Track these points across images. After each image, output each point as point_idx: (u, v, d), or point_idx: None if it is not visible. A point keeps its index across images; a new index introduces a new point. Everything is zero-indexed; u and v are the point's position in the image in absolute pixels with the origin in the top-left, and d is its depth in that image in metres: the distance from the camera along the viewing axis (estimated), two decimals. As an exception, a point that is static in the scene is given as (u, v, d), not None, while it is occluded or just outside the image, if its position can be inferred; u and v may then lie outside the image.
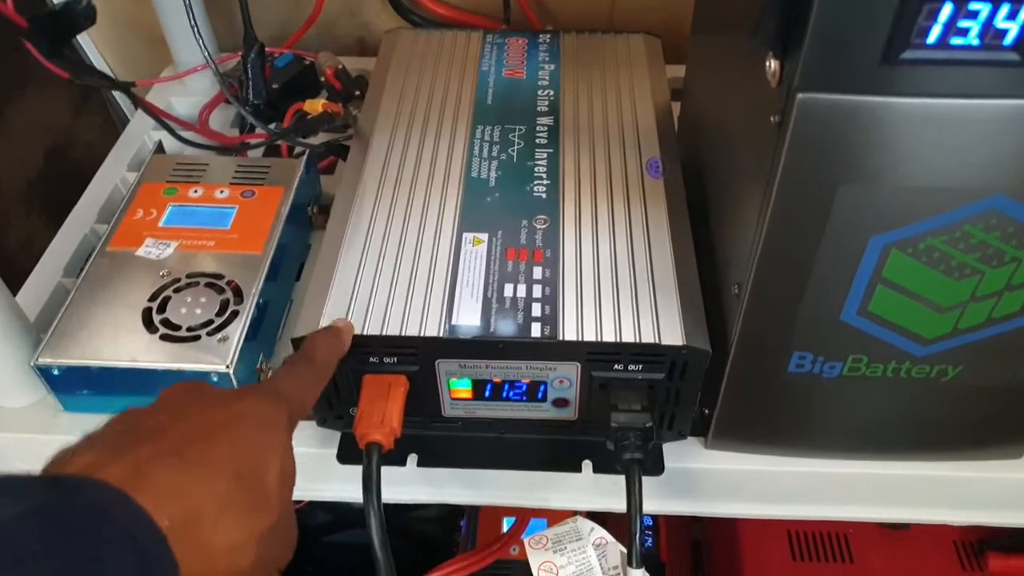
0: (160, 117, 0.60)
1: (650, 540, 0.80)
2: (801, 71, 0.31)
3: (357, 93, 0.69)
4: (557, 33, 0.64)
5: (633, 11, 0.77)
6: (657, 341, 0.41)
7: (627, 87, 0.58)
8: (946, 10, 0.28)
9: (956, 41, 0.29)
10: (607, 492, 0.48)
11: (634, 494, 0.40)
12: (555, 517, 0.82)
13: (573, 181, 0.51)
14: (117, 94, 0.82)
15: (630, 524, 0.39)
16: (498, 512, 0.82)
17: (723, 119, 0.46)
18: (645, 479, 0.42)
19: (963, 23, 0.28)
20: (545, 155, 0.53)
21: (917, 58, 0.29)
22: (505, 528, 0.81)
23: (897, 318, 0.38)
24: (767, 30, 0.31)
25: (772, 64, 0.32)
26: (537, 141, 0.54)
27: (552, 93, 0.58)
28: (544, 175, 0.51)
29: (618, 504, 0.47)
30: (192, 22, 0.58)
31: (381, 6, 0.79)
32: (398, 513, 0.84)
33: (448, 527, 0.80)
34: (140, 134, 0.70)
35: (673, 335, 0.42)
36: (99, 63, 0.80)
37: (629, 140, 0.54)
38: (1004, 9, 0.28)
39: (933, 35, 0.29)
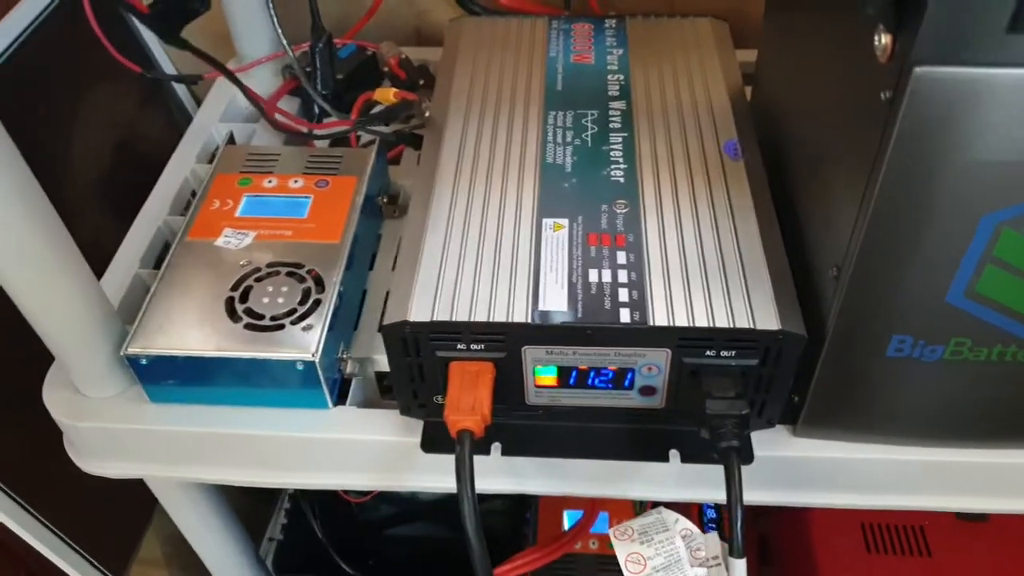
0: (256, 101, 0.60)
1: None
2: (918, 44, 0.30)
3: (421, 82, 0.69)
4: (622, 18, 0.63)
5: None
6: (752, 326, 0.41)
7: (698, 70, 0.58)
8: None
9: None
10: (693, 482, 0.47)
11: (734, 483, 0.39)
12: (615, 512, 0.83)
13: (651, 165, 0.50)
14: (181, 91, 0.83)
15: (731, 513, 0.39)
16: (558, 506, 0.82)
17: (810, 100, 0.45)
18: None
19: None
20: (620, 139, 0.52)
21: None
22: (566, 522, 0.81)
23: (1006, 299, 0.36)
24: (880, 2, 0.30)
25: (883, 38, 0.31)
26: (611, 125, 0.53)
27: (622, 78, 0.57)
28: (620, 159, 0.51)
29: (705, 494, 0.47)
30: (269, 7, 0.58)
31: (439, -5, 0.79)
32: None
33: (514, 520, 0.79)
34: (207, 127, 0.71)
35: (768, 320, 0.41)
36: (164, 63, 0.81)
37: (705, 123, 0.53)
38: None
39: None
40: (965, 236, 0.34)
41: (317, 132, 0.63)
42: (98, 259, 0.59)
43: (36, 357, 0.50)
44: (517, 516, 0.79)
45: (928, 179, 0.33)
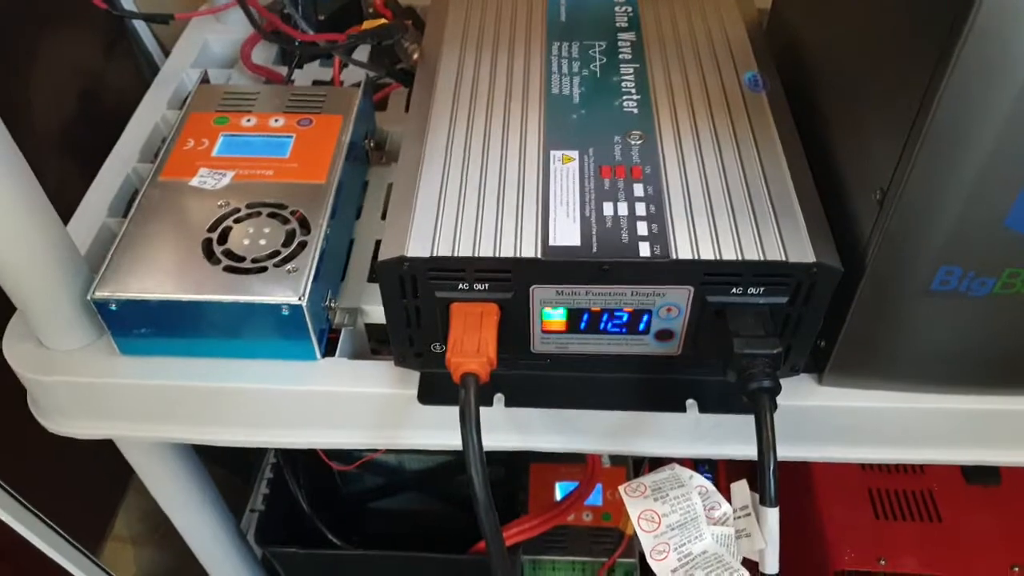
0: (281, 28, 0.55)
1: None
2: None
3: (409, 22, 0.65)
4: (628, -52, 0.59)
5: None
6: (784, 259, 0.37)
7: (712, 3, 0.54)
8: None
9: None
10: (713, 436, 0.44)
11: (765, 427, 0.36)
12: (609, 483, 0.80)
13: (666, 95, 0.46)
14: (147, 38, 0.78)
15: (763, 460, 0.35)
16: (550, 478, 0.79)
17: (843, 18, 0.42)
18: (749, 420, 0.38)
19: None
20: (632, 70, 0.48)
21: None
22: (558, 494, 0.78)
23: (1068, 223, 0.33)
24: None
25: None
26: (620, 56, 0.49)
27: (630, 9, 0.53)
28: (633, 90, 0.47)
29: (725, 449, 0.44)
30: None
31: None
32: (451, 475, 0.80)
33: (505, 491, 0.76)
34: (178, 72, 0.66)
35: (801, 252, 0.37)
36: (128, 4, 0.76)
37: (722, 54, 0.49)
38: None
39: None
40: (1028, 152, 0.31)
41: (305, 42, 0.58)
42: (62, 213, 0.54)
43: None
44: (508, 487, 0.76)
45: (995, 92, 0.30)
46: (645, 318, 0.40)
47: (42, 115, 0.66)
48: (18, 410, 0.49)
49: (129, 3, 0.75)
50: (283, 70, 0.64)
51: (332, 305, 0.46)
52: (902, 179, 0.33)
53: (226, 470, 0.78)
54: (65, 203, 0.55)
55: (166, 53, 0.75)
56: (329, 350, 0.46)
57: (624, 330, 0.41)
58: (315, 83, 0.65)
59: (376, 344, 0.49)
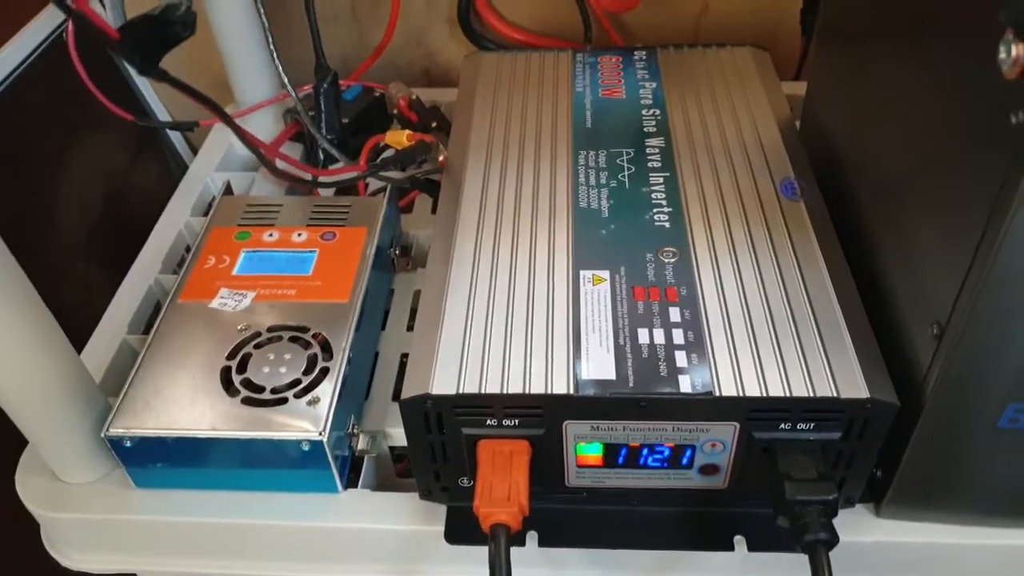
0: (253, 144, 0.55)
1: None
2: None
3: (434, 124, 0.64)
4: (653, 49, 0.58)
5: (720, 26, 0.72)
6: (835, 394, 0.35)
7: (743, 103, 0.52)
8: None
9: None
10: (762, 572, 0.41)
11: (823, 582, 0.33)
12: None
13: (699, 207, 0.45)
14: (176, 140, 0.79)
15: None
16: None
17: (888, 135, 0.40)
18: (802, 557, 0.35)
19: None
20: (662, 179, 0.47)
21: None
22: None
23: None
24: (1018, 7, 0.24)
25: (1014, 50, 0.26)
26: (650, 165, 0.48)
27: (659, 112, 0.52)
28: (664, 202, 0.45)
29: (777, 585, 0.40)
30: (269, 43, 0.53)
31: (449, 34, 0.74)
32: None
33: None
34: (203, 176, 0.66)
35: (853, 387, 0.35)
36: (158, 109, 0.77)
37: (756, 160, 0.48)
38: None
39: None
40: (1103, 288, 0.29)
41: (323, 179, 0.57)
42: (88, 319, 0.53)
43: (8, 438, 0.45)
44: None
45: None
46: (688, 453, 0.38)
47: (71, 219, 0.66)
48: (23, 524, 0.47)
49: (159, 108, 0.76)
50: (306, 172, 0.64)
51: (355, 431, 0.44)
52: (964, 315, 0.31)
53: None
54: (93, 308, 0.55)
55: (195, 152, 0.75)
56: (352, 476, 0.44)
57: (666, 465, 0.39)
58: (340, 187, 0.64)
59: (403, 450, 0.47)
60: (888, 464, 0.38)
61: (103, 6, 0.71)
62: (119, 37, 0.28)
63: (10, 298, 0.38)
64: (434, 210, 0.59)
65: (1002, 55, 0.26)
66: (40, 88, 0.63)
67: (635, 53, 0.58)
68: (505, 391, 0.36)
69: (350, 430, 0.44)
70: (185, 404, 0.42)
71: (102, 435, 0.41)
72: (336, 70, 0.63)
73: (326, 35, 0.62)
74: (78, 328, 0.52)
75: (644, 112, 0.52)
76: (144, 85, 0.75)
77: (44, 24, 0.66)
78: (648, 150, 0.49)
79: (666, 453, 0.38)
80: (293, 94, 0.52)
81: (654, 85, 0.55)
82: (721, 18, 0.71)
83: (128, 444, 0.41)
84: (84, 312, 0.56)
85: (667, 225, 0.44)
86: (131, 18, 0.30)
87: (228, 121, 0.38)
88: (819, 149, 0.49)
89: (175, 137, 0.78)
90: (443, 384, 0.37)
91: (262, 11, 0.55)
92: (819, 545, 0.33)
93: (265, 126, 0.69)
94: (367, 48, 0.72)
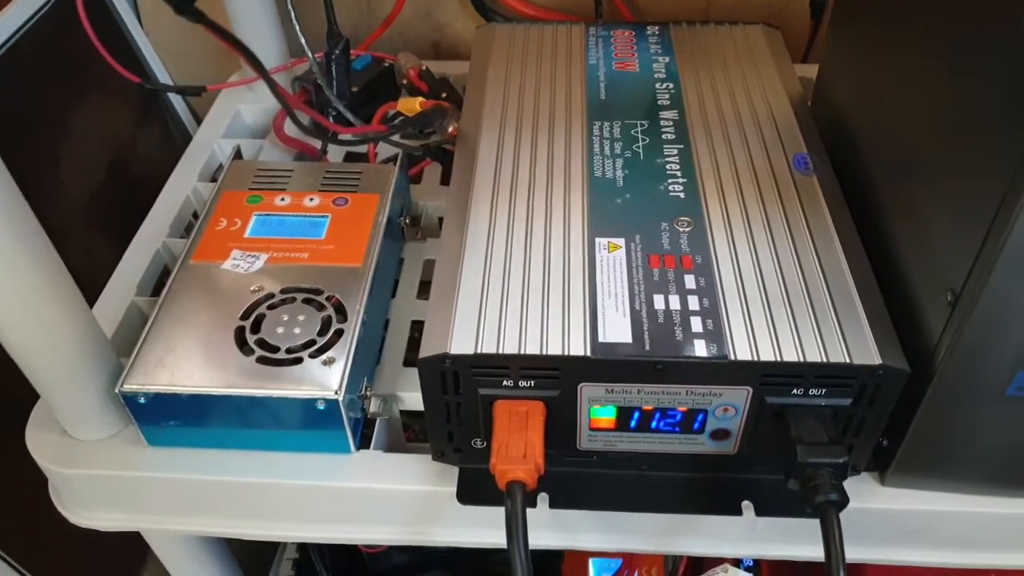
0: (282, 95, 0.54)
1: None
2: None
3: (444, 95, 0.64)
4: (666, 24, 0.59)
5: (729, 6, 0.72)
6: (848, 360, 0.35)
7: (755, 80, 0.53)
8: None
9: None
10: (769, 538, 0.41)
11: (834, 542, 0.33)
12: (639, 562, 0.76)
13: (713, 179, 0.45)
14: (179, 107, 0.78)
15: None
16: (584, 554, 0.76)
17: (906, 112, 0.40)
18: (809, 522, 0.35)
19: None
20: (676, 151, 0.47)
21: None
22: (591, 571, 0.75)
23: None
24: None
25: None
26: (664, 137, 0.48)
27: (672, 86, 0.52)
28: (678, 173, 0.46)
29: (783, 551, 0.42)
30: (290, 6, 0.53)
31: (459, 7, 0.74)
32: (480, 554, 0.77)
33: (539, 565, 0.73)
34: (209, 143, 0.66)
35: (865, 353, 0.36)
36: (161, 74, 0.76)
37: (768, 135, 0.48)
38: None
39: None
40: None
41: (342, 136, 0.57)
42: (90, 285, 0.53)
43: (18, 392, 0.45)
44: (542, 560, 0.73)
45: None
46: (700, 417, 0.38)
47: (73, 184, 0.66)
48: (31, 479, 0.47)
49: (163, 74, 0.76)
50: (316, 140, 0.64)
51: (367, 394, 0.45)
52: (979, 284, 0.31)
53: (254, 545, 0.75)
54: (94, 274, 0.54)
55: (198, 121, 0.75)
56: (364, 439, 0.44)
57: (677, 429, 0.39)
58: (348, 156, 0.64)
59: (408, 419, 0.47)
60: (894, 433, 0.39)
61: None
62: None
63: (29, 249, 0.38)
64: (444, 181, 0.59)
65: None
66: (44, 50, 0.63)
67: (648, 28, 0.58)
68: (523, 352, 0.36)
69: (363, 392, 0.44)
70: (199, 362, 0.42)
71: (116, 391, 0.41)
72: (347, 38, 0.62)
73: (335, 4, 0.62)
74: (84, 290, 0.52)
75: (658, 85, 0.53)
76: (148, 50, 0.75)
77: None
78: (662, 122, 0.49)
79: (678, 417, 0.38)
80: (311, 55, 0.52)
81: (667, 59, 0.55)
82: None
83: (142, 400, 0.41)
84: (88, 279, 0.56)
85: (682, 196, 0.44)
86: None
87: (260, 69, 0.38)
88: (831, 127, 0.49)
89: (178, 103, 0.78)
90: (461, 344, 0.37)
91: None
92: (830, 506, 0.34)
93: (271, 96, 0.68)
94: (376, 19, 0.72)
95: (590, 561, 0.75)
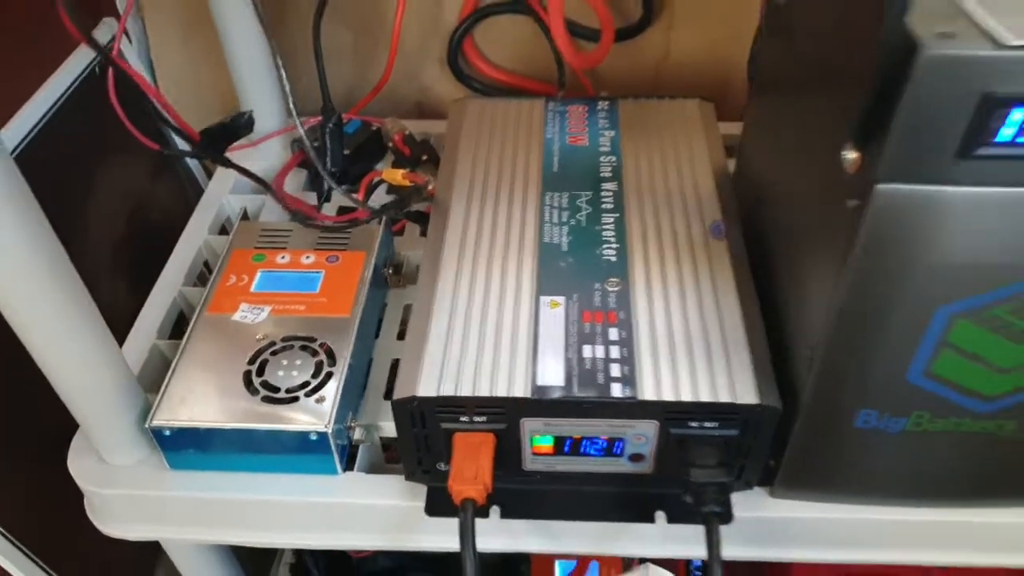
0: (287, 204, 0.62)
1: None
2: (881, 165, 0.34)
3: (424, 157, 0.73)
4: (615, 100, 0.68)
5: (680, 71, 0.81)
6: (733, 400, 0.44)
7: (685, 151, 0.62)
8: (1016, 115, 0.31)
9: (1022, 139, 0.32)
10: (679, 541, 0.50)
11: (714, 544, 0.42)
12: (605, 563, 0.85)
13: (640, 244, 0.54)
14: (192, 161, 0.88)
15: (711, 572, 0.42)
16: (550, 557, 0.84)
17: (788, 187, 0.49)
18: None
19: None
20: (612, 219, 0.56)
21: (989, 154, 0.32)
22: (558, 572, 0.84)
23: (959, 379, 0.40)
24: (851, 125, 0.34)
25: (852, 154, 0.35)
26: (603, 206, 0.57)
27: (614, 159, 0.62)
28: (613, 239, 0.55)
29: (689, 551, 0.50)
30: (283, 85, 0.62)
31: (440, 71, 0.83)
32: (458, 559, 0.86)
33: (510, 569, 0.82)
34: (219, 198, 0.75)
35: (747, 393, 0.45)
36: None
37: (691, 203, 0.57)
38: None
39: (1005, 134, 0.32)
40: (922, 325, 0.38)
41: (328, 224, 0.65)
42: (116, 329, 0.62)
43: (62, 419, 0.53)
44: (512, 565, 0.82)
45: (889, 278, 0.37)
46: (619, 444, 0.47)
47: (99, 239, 0.75)
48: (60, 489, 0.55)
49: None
50: (313, 195, 0.73)
51: (352, 424, 0.54)
52: (823, 341, 0.40)
53: (257, 551, 0.84)
54: (119, 318, 0.63)
55: (209, 175, 0.84)
56: (350, 461, 0.53)
57: (602, 453, 0.48)
58: (340, 209, 0.73)
59: (389, 442, 0.56)
60: (778, 455, 0.48)
61: (129, 41, 0.80)
62: (200, 139, 0.37)
63: (73, 303, 0.46)
64: (423, 233, 0.69)
65: (843, 153, 0.36)
66: (77, 118, 0.72)
67: (599, 103, 0.67)
68: (475, 394, 0.46)
69: (349, 423, 0.53)
70: (214, 400, 0.51)
71: (146, 426, 0.50)
72: (337, 103, 0.71)
73: (331, 71, 0.71)
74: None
75: (602, 159, 0.62)
76: (165, 110, 0.84)
77: (77, 63, 0.74)
78: (603, 193, 0.58)
79: (602, 444, 0.47)
80: (301, 132, 0.61)
81: (613, 133, 0.64)
82: (680, 65, 0.80)
83: (167, 433, 0.50)
84: (113, 321, 0.65)
85: (614, 259, 0.53)
86: (209, 126, 0.39)
87: (266, 186, 0.46)
88: (748, 193, 0.59)
89: (192, 160, 0.87)
90: (427, 387, 0.46)
91: (276, 56, 0.63)
92: (713, 516, 0.43)
93: (275, 152, 0.78)
94: (367, 82, 0.81)
95: (556, 563, 0.84)
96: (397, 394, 0.46)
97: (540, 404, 0.45)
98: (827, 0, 0.41)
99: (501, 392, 0.46)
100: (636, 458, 0.48)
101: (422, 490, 0.51)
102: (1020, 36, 0.30)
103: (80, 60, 0.75)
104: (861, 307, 0.38)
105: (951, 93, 0.31)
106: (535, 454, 0.49)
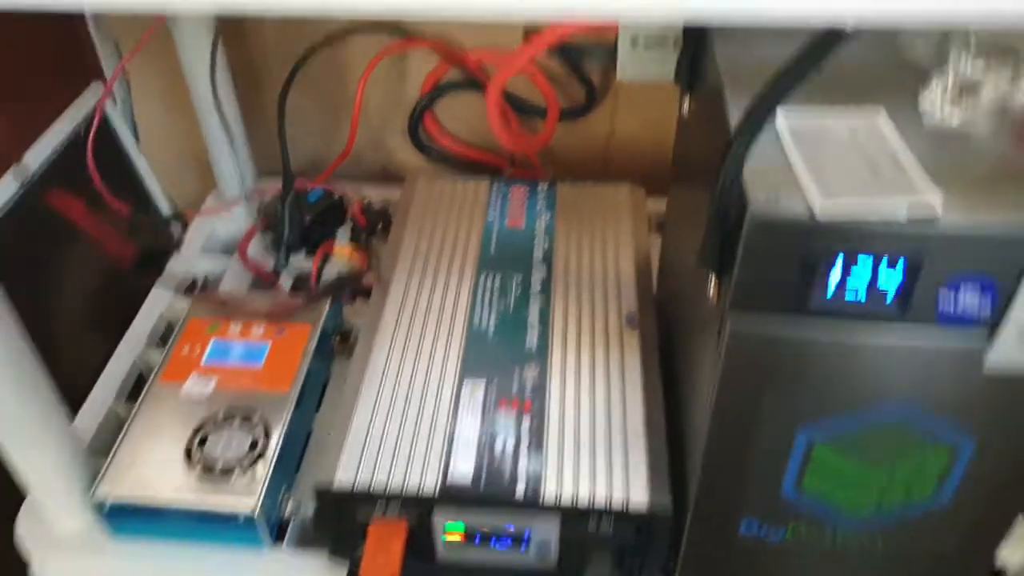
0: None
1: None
2: (732, 298, 0.37)
3: (380, 225, 0.77)
4: (554, 183, 0.71)
5: (625, 147, 0.84)
6: (624, 509, 0.47)
7: (612, 238, 0.65)
8: (835, 276, 0.34)
9: (849, 297, 0.35)
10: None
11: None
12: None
13: (561, 331, 0.57)
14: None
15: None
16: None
17: (690, 284, 0.51)
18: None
19: (852, 284, 0.34)
20: (538, 305, 0.59)
21: (819, 309, 0.35)
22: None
23: (826, 496, 0.43)
24: (708, 258, 0.37)
25: (713, 281, 0.38)
26: (532, 291, 0.60)
27: (547, 243, 0.65)
28: (537, 324, 0.58)
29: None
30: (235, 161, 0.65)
31: (402, 141, 0.87)
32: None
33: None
34: (188, 259, 0.78)
35: (641, 501, 0.47)
36: (152, 185, 0.89)
37: (612, 292, 0.60)
38: (883, 274, 0.34)
39: (829, 291, 0.35)
40: (786, 445, 0.41)
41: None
42: (85, 382, 0.66)
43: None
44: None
45: (749, 398, 0.40)
46: (525, 539, 0.50)
47: (72, 291, 0.78)
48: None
49: (155, 185, 0.88)
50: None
51: (285, 499, 0.57)
52: (704, 450, 0.43)
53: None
54: (90, 372, 0.67)
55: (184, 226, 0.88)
56: (281, 532, 0.56)
57: (509, 546, 0.51)
58: (298, 276, 0.76)
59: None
60: (676, 559, 0.50)
61: (115, 103, 0.83)
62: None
63: (25, 381, 0.50)
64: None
65: (708, 283, 0.39)
66: (61, 181, 0.75)
67: (539, 186, 0.71)
68: (387, 490, 0.48)
69: (280, 499, 0.56)
70: (154, 472, 0.54)
71: (89, 499, 0.53)
72: (304, 167, 0.75)
73: (298, 141, 0.75)
74: (78, 388, 0.64)
75: (536, 242, 0.65)
76: (146, 171, 0.87)
77: (71, 119, 0.77)
78: (533, 277, 0.62)
79: (508, 539, 0.50)
80: (255, 215, 0.65)
81: (549, 216, 0.67)
82: (625, 141, 0.84)
83: (108, 506, 0.54)
84: (82, 375, 0.68)
85: (535, 345, 0.56)
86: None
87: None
88: (670, 275, 0.61)
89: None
90: (345, 476, 0.49)
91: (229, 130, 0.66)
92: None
93: (241, 217, 0.82)
94: (332, 151, 0.85)
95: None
96: (317, 480, 0.49)
97: (448, 501, 0.48)
98: (703, 139, 0.44)
99: (413, 486, 0.49)
100: (541, 553, 0.51)
101: (344, 566, 0.54)
102: (828, 211, 0.33)
103: (65, 124, 0.78)
104: (732, 420, 0.41)
105: (777, 251, 0.34)
106: (448, 541, 0.52)
